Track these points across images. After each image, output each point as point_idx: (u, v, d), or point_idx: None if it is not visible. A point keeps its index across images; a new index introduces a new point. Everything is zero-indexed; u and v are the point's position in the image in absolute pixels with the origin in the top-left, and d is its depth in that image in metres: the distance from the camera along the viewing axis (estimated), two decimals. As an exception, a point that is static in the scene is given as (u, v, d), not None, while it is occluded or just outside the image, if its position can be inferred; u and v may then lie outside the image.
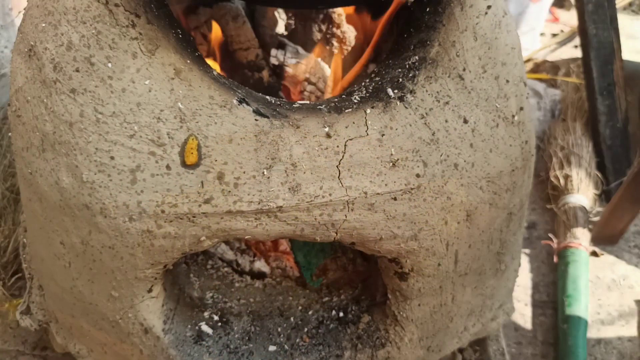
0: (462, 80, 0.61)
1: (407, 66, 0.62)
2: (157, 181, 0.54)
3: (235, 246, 0.81)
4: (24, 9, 0.59)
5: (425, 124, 0.59)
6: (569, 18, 2.11)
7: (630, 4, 2.18)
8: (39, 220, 0.62)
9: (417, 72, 0.61)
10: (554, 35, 1.99)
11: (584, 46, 1.41)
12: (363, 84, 0.64)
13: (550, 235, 1.25)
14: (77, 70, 0.53)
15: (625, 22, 2.13)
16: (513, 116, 0.65)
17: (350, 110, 0.59)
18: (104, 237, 0.56)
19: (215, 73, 0.58)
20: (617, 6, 1.92)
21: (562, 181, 1.33)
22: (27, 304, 0.77)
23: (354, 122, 0.58)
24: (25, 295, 0.77)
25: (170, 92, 0.54)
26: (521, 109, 0.67)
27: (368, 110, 0.59)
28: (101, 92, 0.53)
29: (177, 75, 0.55)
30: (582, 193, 1.31)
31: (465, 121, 0.61)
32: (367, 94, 0.61)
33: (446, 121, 0.60)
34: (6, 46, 1.23)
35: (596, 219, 1.30)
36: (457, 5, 0.62)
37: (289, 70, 0.88)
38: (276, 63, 0.87)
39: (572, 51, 1.90)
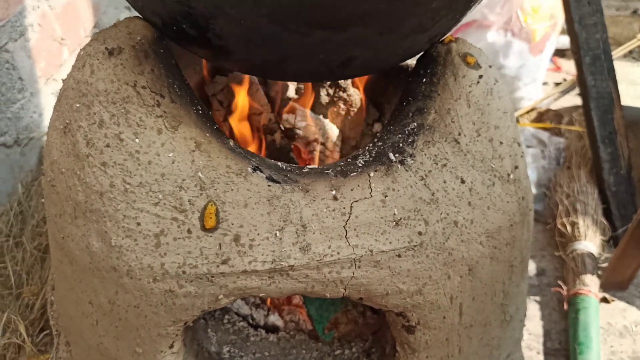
0: (458, 144, 0.66)
1: (407, 132, 0.67)
2: (179, 244, 0.59)
3: (250, 301, 0.85)
4: (60, 90, 0.66)
5: (425, 185, 0.64)
6: (571, 67, 2.18)
7: (630, 52, 2.24)
8: (69, 281, 0.67)
9: (416, 138, 0.66)
10: (557, 84, 2.05)
11: (584, 96, 1.46)
12: (367, 148, 0.69)
13: (560, 282, 1.26)
14: (108, 146, 0.59)
15: (627, 69, 2.19)
16: (508, 175, 0.70)
17: (355, 173, 0.64)
18: (130, 297, 0.61)
19: (231, 143, 0.64)
20: (619, 54, 1.99)
21: (569, 228, 1.35)
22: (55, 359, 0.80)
23: (358, 185, 0.63)
24: (53, 352, 0.81)
25: (192, 163, 0.60)
26: (516, 167, 0.71)
27: (371, 174, 0.64)
28: (129, 165, 0.59)
29: (197, 148, 0.60)
30: (590, 240, 1.33)
31: (463, 181, 0.66)
32: (371, 158, 0.66)
33: (444, 182, 0.65)
34: (34, 111, 1.32)
35: (605, 265, 1.32)
36: (451, 76, 0.67)
37: (299, 132, 0.94)
38: (287, 126, 0.93)
39: (575, 99, 1.96)
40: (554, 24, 1.71)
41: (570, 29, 1.46)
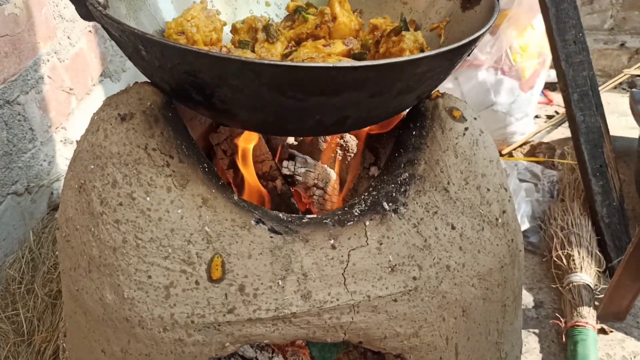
0: (447, 192, 0.71)
1: (399, 182, 0.71)
2: (188, 295, 0.63)
3: (255, 343, 0.88)
4: (75, 151, 0.70)
5: (417, 232, 0.68)
6: (562, 99, 2.24)
7: (620, 84, 2.31)
8: (83, 331, 0.71)
9: (408, 187, 0.70)
10: (549, 117, 2.11)
11: (574, 132, 1.51)
12: (362, 197, 0.73)
13: (557, 315, 1.29)
14: (121, 204, 0.64)
15: (618, 100, 2.25)
16: (497, 219, 0.74)
17: (351, 223, 0.68)
18: (142, 346, 0.64)
19: (236, 198, 0.68)
20: (610, 86, 2.05)
21: (564, 261, 1.38)
22: (67, 406, 0.83)
23: (355, 234, 0.67)
24: (65, 398, 0.83)
25: (199, 218, 0.64)
26: (504, 212, 0.75)
27: (367, 223, 0.68)
28: (141, 222, 0.63)
29: (204, 204, 0.65)
30: (585, 271, 1.36)
31: (453, 227, 0.70)
32: (366, 207, 0.71)
33: (436, 229, 0.69)
34: (44, 159, 1.37)
35: (602, 295, 1.35)
36: (439, 129, 0.72)
37: (299, 178, 0.98)
38: (287, 173, 0.97)
39: (567, 131, 2.00)
40: (543, 61, 1.78)
41: (557, 67, 1.52)
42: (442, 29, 0.85)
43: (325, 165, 1.03)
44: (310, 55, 0.82)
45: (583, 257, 1.38)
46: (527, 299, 1.40)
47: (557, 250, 1.41)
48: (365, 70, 0.57)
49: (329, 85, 0.58)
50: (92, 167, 0.66)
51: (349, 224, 0.68)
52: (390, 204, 0.69)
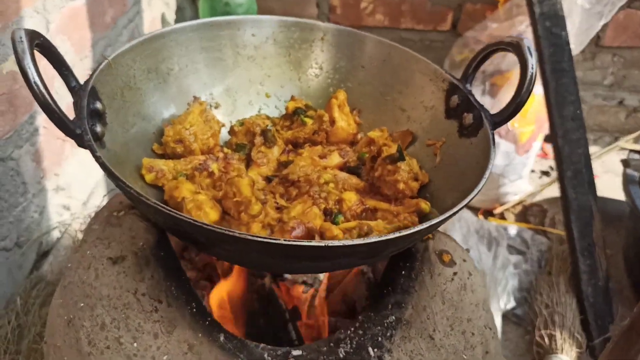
0: (432, 340, 0.71)
1: (386, 325, 0.72)
2: None
3: None
4: (66, 279, 0.70)
5: (400, 381, 0.69)
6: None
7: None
8: None
9: (394, 332, 0.71)
10: (544, 173, 2.12)
11: (565, 209, 1.52)
12: (348, 333, 0.74)
13: (536, 399, 1.31)
14: (108, 347, 0.64)
15: (613, 159, 2.27)
16: (479, 361, 0.75)
17: (335, 369, 0.69)
18: None
19: (222, 339, 0.69)
20: (609, 148, 2.07)
21: (547, 340, 1.40)
22: None
23: (338, 383, 0.68)
24: None
25: (184, 365, 0.65)
26: (487, 352, 0.76)
27: (351, 371, 0.69)
28: (126, 368, 0.64)
29: (190, 350, 0.65)
30: (566, 352, 1.38)
31: (436, 376, 0.71)
32: (351, 349, 0.71)
33: (419, 377, 0.70)
34: (35, 211, 1.36)
35: (581, 377, 1.37)
36: (427, 273, 0.73)
37: (287, 276, 0.99)
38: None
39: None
40: (540, 125, 1.78)
41: (554, 143, 1.53)
42: (438, 149, 0.85)
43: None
44: (306, 172, 0.82)
45: (565, 339, 1.40)
46: (509, 374, 1.42)
47: (540, 330, 1.42)
48: (354, 247, 0.57)
49: (318, 256, 0.58)
50: (82, 304, 0.66)
51: (332, 369, 0.69)
52: (375, 350, 0.70)
